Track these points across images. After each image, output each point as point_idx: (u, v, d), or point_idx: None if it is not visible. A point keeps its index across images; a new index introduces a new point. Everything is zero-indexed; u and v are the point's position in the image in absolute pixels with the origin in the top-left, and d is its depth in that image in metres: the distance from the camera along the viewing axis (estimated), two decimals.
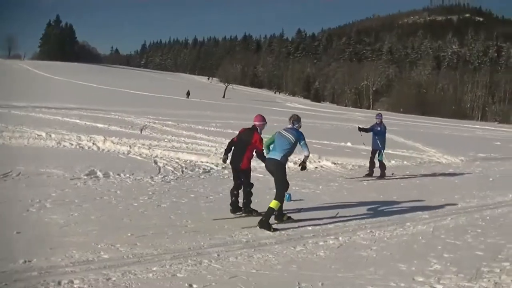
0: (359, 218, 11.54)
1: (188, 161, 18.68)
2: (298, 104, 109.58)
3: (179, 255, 8.19)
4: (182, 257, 8.07)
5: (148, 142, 22.58)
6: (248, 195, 11.58)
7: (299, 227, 10.52)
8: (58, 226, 9.47)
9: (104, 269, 7.35)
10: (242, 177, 11.56)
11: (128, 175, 15.11)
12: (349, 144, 28.30)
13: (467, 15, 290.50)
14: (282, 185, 10.66)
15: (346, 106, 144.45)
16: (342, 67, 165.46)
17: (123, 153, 19.67)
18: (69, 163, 16.22)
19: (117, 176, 14.91)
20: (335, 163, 20.98)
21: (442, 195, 15.25)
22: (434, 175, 20.29)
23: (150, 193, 13.00)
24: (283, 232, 10.04)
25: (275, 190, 10.68)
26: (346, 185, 16.56)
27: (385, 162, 19.59)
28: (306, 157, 11.14)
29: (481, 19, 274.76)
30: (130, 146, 21.02)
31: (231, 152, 11.81)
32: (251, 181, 11.71)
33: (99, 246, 8.36)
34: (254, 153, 11.48)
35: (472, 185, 17.89)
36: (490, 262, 8.51)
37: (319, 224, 10.82)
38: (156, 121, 33.29)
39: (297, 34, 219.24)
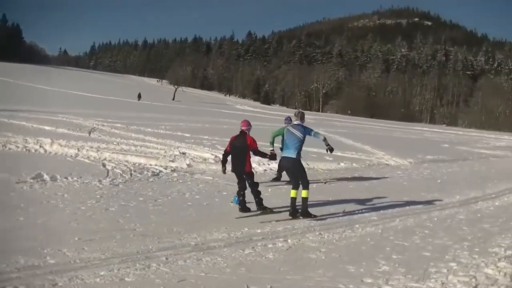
0: (308, 220, 11.60)
1: (137, 164, 18.53)
2: (248, 107, 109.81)
3: (127, 259, 8.13)
4: (130, 261, 8.01)
5: (96, 144, 22.32)
6: (258, 194, 12.34)
7: (248, 229, 10.53)
8: (3, 231, 9.30)
9: (51, 274, 7.25)
10: (248, 179, 12.32)
11: (75, 179, 14.92)
12: None
13: (416, 19, 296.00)
14: (305, 178, 11.88)
15: (295, 108, 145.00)
16: (292, 70, 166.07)
17: (71, 156, 19.40)
18: (15, 166, 15.93)
19: (65, 179, 14.70)
20: None
21: (391, 197, 15.45)
22: (383, 177, 20.52)
23: (98, 196, 12.87)
24: (231, 235, 10.04)
25: (300, 184, 11.84)
26: None
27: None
28: (325, 140, 12.34)
29: (429, 23, 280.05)
30: (78, 149, 20.73)
31: (229, 160, 12.55)
32: (255, 181, 12.49)
33: (45, 251, 8.24)
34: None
35: (420, 187, 18.17)
36: (438, 263, 8.65)
37: (268, 227, 10.86)
38: (105, 124, 32.92)
39: (248, 37, 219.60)
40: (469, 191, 17.65)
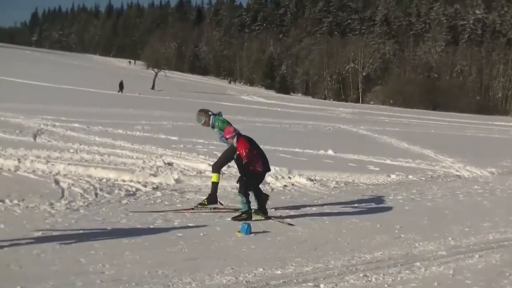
0: (347, 257, 11.56)
1: (104, 180, 18.47)
2: (258, 97, 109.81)
3: None
4: None
5: (45, 153, 22.24)
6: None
7: (263, 270, 10.46)
8: None
9: None
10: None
11: (16, 202, 14.86)
12: (330, 152, 28.42)
13: None
14: None
15: (325, 99, 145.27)
16: (319, 45, 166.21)
17: (9, 169, 19.36)
18: None
19: (0, 203, 14.69)
20: (311, 180, 21.01)
21: (465, 223, 15.37)
22: (452, 194, 20.44)
23: (49, 226, 12.80)
24: (240, 278, 9.92)
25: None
26: (328, 210, 16.59)
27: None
28: None
29: None
30: (18, 159, 20.68)
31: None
32: None
33: None
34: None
35: (508, 208, 18.08)
36: None
37: (292, 266, 10.80)
38: (57, 123, 32.91)
39: None
40: None
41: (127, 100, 67.81)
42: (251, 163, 14.71)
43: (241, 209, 14.88)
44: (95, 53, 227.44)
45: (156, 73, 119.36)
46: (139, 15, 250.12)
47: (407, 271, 10.76)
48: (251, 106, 78.06)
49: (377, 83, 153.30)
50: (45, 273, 9.71)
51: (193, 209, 15.25)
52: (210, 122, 15.75)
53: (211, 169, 16.25)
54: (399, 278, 10.34)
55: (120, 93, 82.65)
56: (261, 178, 15.29)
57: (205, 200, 15.59)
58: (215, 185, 15.68)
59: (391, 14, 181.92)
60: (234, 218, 14.50)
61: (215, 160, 16.69)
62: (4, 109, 39.09)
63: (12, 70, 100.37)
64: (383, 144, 36.18)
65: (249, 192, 14.75)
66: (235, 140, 14.92)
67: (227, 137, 15.08)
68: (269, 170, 15.51)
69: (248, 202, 14.59)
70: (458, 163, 27.98)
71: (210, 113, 15.83)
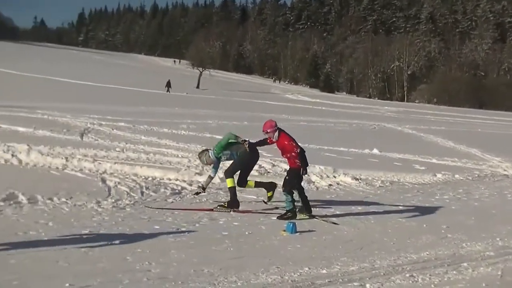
0: (393, 257, 11.51)
1: (149, 179, 18.59)
2: (302, 96, 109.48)
3: None
4: None
5: (92, 152, 22.40)
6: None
7: (308, 269, 10.44)
8: None
9: None
10: None
11: (64, 200, 14.98)
12: (375, 151, 28.33)
13: None
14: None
15: (369, 97, 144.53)
16: (363, 43, 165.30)
17: (57, 168, 19.49)
18: None
19: (48, 201, 14.76)
20: (357, 179, 20.96)
21: None
22: (500, 194, 20.24)
23: (96, 224, 12.90)
24: (285, 277, 9.90)
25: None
26: (373, 209, 16.53)
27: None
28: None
29: None
30: (66, 158, 20.82)
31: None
32: None
33: None
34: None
35: None
36: None
37: (337, 266, 10.77)
38: (103, 122, 33.12)
39: None
40: None
41: (173, 99, 68.01)
42: (293, 160, 14.77)
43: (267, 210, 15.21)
44: (140, 53, 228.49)
45: (201, 72, 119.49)
46: (184, 14, 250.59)
47: (454, 272, 10.65)
48: (296, 105, 77.99)
49: (423, 81, 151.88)
50: (92, 270, 9.78)
51: (212, 210, 15.23)
52: (211, 156, 15.94)
53: (224, 176, 16.22)
54: (446, 279, 10.24)
55: (168, 92, 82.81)
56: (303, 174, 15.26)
57: (226, 203, 15.59)
58: (232, 189, 15.56)
59: (437, 12, 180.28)
60: (280, 217, 14.45)
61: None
62: (51, 108, 39.41)
63: (60, 69, 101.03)
64: (428, 143, 35.98)
65: (294, 191, 14.71)
66: (276, 134, 15.03)
67: (268, 130, 15.19)
68: (308, 164, 15.25)
69: (293, 201, 14.54)
70: (506, 162, 27.70)
71: (206, 150, 16.25)
